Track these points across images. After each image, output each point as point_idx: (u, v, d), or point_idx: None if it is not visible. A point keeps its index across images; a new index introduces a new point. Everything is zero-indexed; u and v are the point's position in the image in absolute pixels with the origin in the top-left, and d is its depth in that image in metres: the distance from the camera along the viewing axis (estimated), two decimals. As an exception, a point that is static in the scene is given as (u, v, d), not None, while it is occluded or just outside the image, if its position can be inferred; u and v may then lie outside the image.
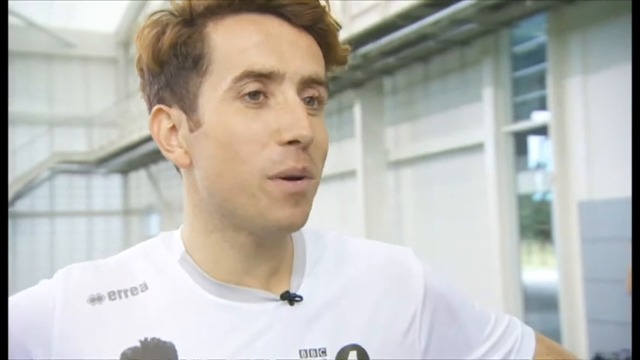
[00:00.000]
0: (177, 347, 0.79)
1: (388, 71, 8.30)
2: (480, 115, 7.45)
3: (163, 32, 0.82)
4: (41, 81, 17.47)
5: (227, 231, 0.82)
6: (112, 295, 0.81)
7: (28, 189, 16.51)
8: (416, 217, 8.43)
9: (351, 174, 9.14)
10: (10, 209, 16.34)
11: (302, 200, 0.79)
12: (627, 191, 5.61)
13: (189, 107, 0.81)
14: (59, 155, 16.26)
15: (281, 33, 0.81)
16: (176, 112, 0.83)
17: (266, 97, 0.79)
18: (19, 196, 16.39)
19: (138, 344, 0.79)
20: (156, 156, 14.78)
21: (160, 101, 0.84)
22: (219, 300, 0.81)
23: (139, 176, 17.68)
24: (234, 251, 0.83)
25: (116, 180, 18.54)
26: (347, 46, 0.87)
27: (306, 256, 0.88)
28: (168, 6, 0.84)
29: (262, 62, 0.78)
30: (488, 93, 7.32)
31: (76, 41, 17.62)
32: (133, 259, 0.86)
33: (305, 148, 0.78)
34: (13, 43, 15.96)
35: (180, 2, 0.83)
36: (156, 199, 16.64)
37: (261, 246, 0.83)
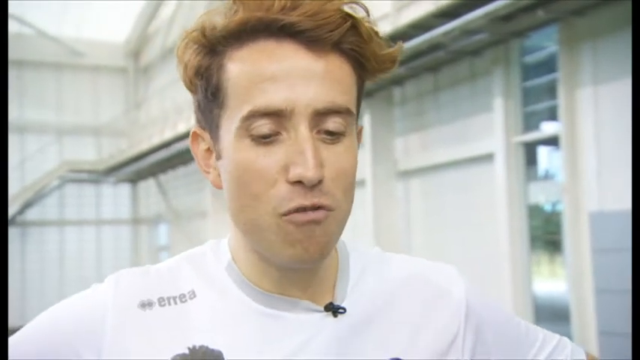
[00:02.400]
0: (224, 355, 0.79)
1: (398, 81, 8.32)
2: (490, 126, 7.46)
3: (190, 59, 0.81)
4: (51, 90, 17.57)
5: (262, 253, 0.82)
6: (161, 302, 0.82)
7: (37, 197, 16.57)
8: (425, 226, 8.43)
9: (360, 183, 9.15)
10: (19, 218, 16.40)
11: (317, 229, 0.77)
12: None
13: (214, 136, 0.81)
14: (68, 164, 16.33)
15: (294, 63, 0.76)
16: (208, 136, 0.83)
17: (278, 132, 0.76)
18: (28, 204, 16.45)
19: (186, 351, 0.79)
20: (165, 165, 14.83)
21: (197, 122, 0.84)
22: (265, 309, 0.82)
23: (148, 185, 17.72)
24: (272, 270, 0.82)
25: (125, 189, 18.60)
26: (390, 53, 0.81)
27: (349, 270, 0.87)
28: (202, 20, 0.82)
29: (268, 100, 0.75)
30: (498, 103, 7.33)
31: (86, 50, 17.73)
32: (181, 266, 0.86)
33: (314, 186, 0.75)
34: (24, 53, 16.07)
35: (200, 28, 0.80)
36: (164, 209, 16.68)
37: (297, 269, 0.82)
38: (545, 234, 7.84)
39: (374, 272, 0.89)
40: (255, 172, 0.76)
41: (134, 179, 17.60)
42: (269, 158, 0.76)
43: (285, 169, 0.76)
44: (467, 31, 6.77)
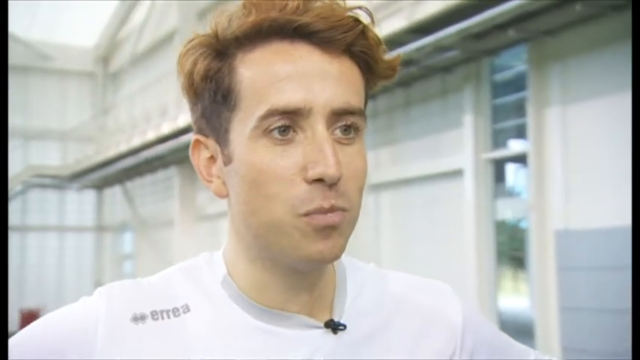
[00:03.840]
0: None
1: (370, 95, 8.37)
2: (460, 142, 7.55)
3: (195, 63, 0.80)
4: (17, 93, 17.36)
5: (267, 261, 0.81)
6: (154, 315, 0.81)
7: None
8: (394, 240, 8.49)
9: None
10: (-20, 222, 16.11)
11: (334, 233, 0.77)
12: (603, 222, 5.70)
13: (222, 141, 0.80)
14: (33, 169, 16.14)
15: (310, 63, 0.77)
16: (212, 144, 0.82)
17: (294, 132, 0.77)
18: (-10, 209, 16.19)
19: None
20: (132, 172, 14.72)
21: (199, 131, 0.83)
22: (263, 324, 0.81)
23: (114, 192, 17.56)
24: (275, 279, 0.82)
25: (90, 195, 18.41)
26: (394, 58, 0.83)
27: (347, 286, 0.87)
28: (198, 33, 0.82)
29: (287, 99, 0.76)
30: (468, 120, 7.43)
31: (54, 54, 17.56)
32: (174, 279, 0.85)
33: (333, 185, 0.76)
34: (-9, 54, 15.86)
35: (209, 31, 0.80)
36: (130, 216, 16.54)
37: (301, 276, 0.82)
38: (510, 250, 7.96)
39: (372, 289, 0.89)
40: (272, 172, 0.76)
41: (100, 186, 17.43)
42: (286, 158, 0.76)
43: (304, 168, 0.76)
44: (439, 48, 6.87)
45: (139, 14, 16.36)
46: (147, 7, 15.71)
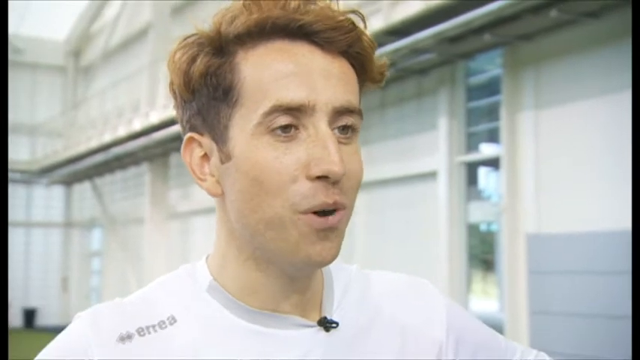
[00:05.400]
0: None
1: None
2: (434, 144, 7.60)
3: (194, 60, 0.80)
4: (-15, 86, 17.13)
5: (261, 262, 0.82)
6: (140, 332, 0.80)
7: (-35, 196, 16.08)
8: (367, 241, 8.52)
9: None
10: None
11: (332, 234, 0.79)
12: (575, 226, 5.77)
13: (219, 138, 0.80)
14: (0, 163, 15.90)
15: (312, 62, 0.79)
16: (207, 141, 0.82)
17: (297, 129, 0.78)
18: (-45, 203, 15.96)
19: None
20: (102, 168, 14.59)
21: (192, 129, 0.83)
22: (255, 327, 0.81)
23: (83, 188, 17.40)
24: (268, 281, 0.82)
25: (59, 191, 18.22)
26: (383, 64, 0.85)
27: (334, 287, 0.89)
28: (198, 29, 0.82)
29: (291, 95, 0.77)
30: (443, 122, 7.49)
31: (25, 47, 17.35)
32: (155, 294, 0.85)
33: (335, 183, 0.77)
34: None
35: (210, 29, 0.81)
36: (99, 213, 16.39)
37: (294, 277, 0.83)
38: (481, 253, 8.04)
39: (357, 288, 0.90)
40: (274, 169, 0.77)
41: (69, 181, 17.25)
42: (289, 155, 0.77)
43: (307, 165, 0.77)
44: (415, 50, 6.92)
45: (112, 8, 16.23)
46: (120, 2, 15.58)
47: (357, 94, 0.82)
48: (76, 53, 18.43)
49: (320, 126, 0.78)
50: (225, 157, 0.80)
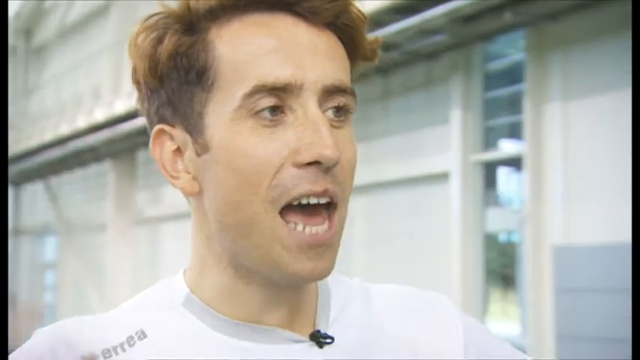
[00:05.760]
0: None
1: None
2: (446, 140, 7.60)
3: (160, 41, 0.81)
4: None
5: (241, 269, 0.82)
6: (106, 354, 0.81)
7: None
8: (367, 255, 8.51)
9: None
10: None
11: (326, 251, 0.80)
12: (609, 236, 5.75)
13: (194, 128, 0.81)
14: (-62, 159, 15.88)
15: (296, 36, 0.80)
16: (180, 133, 0.83)
17: (283, 112, 0.79)
18: None
19: None
20: (58, 166, 14.57)
21: (161, 120, 0.84)
22: (236, 341, 0.82)
23: (35, 189, 17.36)
24: (250, 289, 0.83)
25: (6, 192, 18.18)
26: (376, 39, 0.86)
27: (330, 299, 0.89)
28: (163, 6, 0.82)
29: (276, 73, 0.78)
30: (456, 115, 7.48)
31: (-33, 23, 17.32)
32: (126, 310, 0.86)
33: (328, 169, 0.78)
34: None
35: (177, 4, 0.81)
36: (54, 218, 16.35)
37: (281, 288, 0.83)
38: (500, 267, 8.04)
39: (359, 302, 0.91)
40: (258, 157, 0.77)
41: (18, 181, 17.21)
42: (275, 142, 0.78)
43: (295, 151, 0.78)
44: (424, 31, 6.91)
45: (69, -21, 16.21)
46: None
47: (348, 71, 0.83)
48: (28, 31, 18.39)
49: (309, 107, 0.78)
50: (202, 149, 0.81)
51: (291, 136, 0.78)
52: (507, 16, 6.43)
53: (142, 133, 11.26)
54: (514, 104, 7.29)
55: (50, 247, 17.71)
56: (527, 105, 6.81)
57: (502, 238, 8.20)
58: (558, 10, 6.38)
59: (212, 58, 0.80)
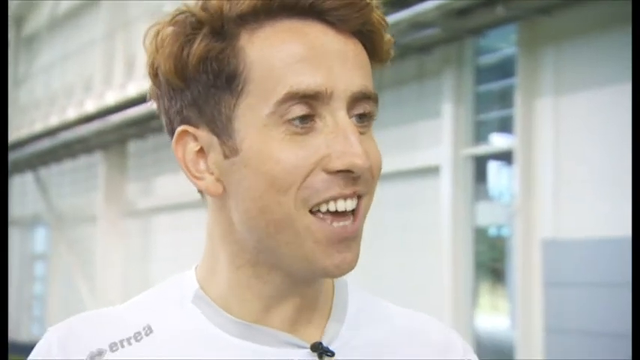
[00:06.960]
0: None
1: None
2: (437, 134, 7.61)
3: (189, 44, 0.81)
4: None
5: (260, 267, 0.84)
6: (113, 347, 0.83)
7: None
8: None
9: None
10: None
11: (352, 243, 0.83)
12: (601, 230, 5.78)
13: (222, 131, 0.82)
14: None
15: (326, 43, 0.81)
16: (205, 134, 0.83)
17: (313, 119, 0.80)
18: None
19: None
20: (47, 157, 14.52)
21: (185, 121, 0.84)
22: (242, 342, 0.84)
23: (25, 180, 17.31)
24: (264, 288, 0.84)
25: (-4, 183, 18.11)
26: (389, 40, 0.88)
27: (347, 304, 0.90)
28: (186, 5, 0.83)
29: (307, 81, 0.79)
30: (447, 109, 7.48)
31: (-43, 13, 17.23)
32: (137, 304, 0.89)
33: (357, 178, 0.80)
34: None
35: (204, 5, 0.82)
36: (44, 209, 16.32)
37: (296, 284, 0.85)
38: (490, 261, 8.06)
39: (371, 317, 0.92)
40: (289, 163, 0.79)
41: (8, 172, 17.19)
42: (306, 148, 0.80)
43: (326, 157, 0.79)
44: (416, 25, 6.90)
45: (61, -31, 16.14)
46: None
47: (371, 77, 0.85)
48: (18, 20, 18.30)
49: (339, 115, 0.80)
50: (230, 152, 0.82)
51: (321, 143, 0.80)
52: (499, 10, 6.43)
53: (133, 125, 11.29)
54: (505, 98, 7.30)
55: (40, 239, 17.67)
56: (518, 99, 6.82)
57: (492, 232, 8.23)
58: (550, 5, 6.39)
59: (243, 65, 0.81)
